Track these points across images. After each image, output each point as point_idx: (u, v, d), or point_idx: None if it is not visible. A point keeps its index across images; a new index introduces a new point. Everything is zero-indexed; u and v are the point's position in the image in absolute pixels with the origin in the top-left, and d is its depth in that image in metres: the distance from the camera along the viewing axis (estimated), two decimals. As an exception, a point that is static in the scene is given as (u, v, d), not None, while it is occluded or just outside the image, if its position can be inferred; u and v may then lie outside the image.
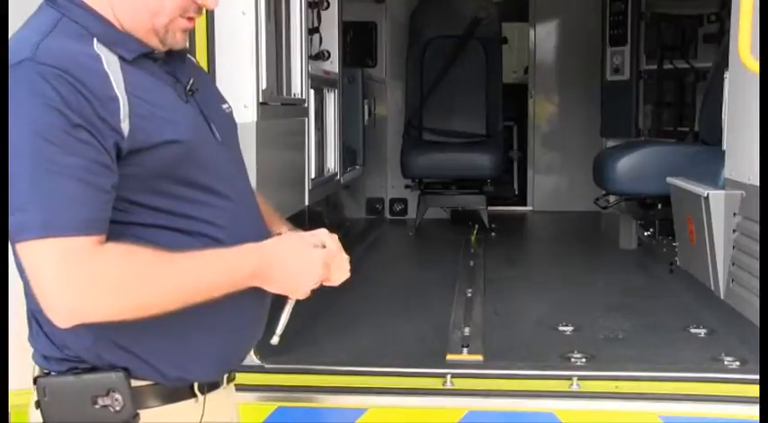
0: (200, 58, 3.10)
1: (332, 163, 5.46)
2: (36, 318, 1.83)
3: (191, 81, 1.88)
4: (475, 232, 6.37)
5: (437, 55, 7.61)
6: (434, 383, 3.13)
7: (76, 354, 1.80)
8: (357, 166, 6.73)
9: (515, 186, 9.09)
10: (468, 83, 7.57)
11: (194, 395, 1.87)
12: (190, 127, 1.81)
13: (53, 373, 1.82)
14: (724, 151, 4.29)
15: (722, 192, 4.17)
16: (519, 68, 10.00)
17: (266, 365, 3.13)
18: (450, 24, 7.64)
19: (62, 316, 1.67)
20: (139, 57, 1.78)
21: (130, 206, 1.73)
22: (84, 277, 1.63)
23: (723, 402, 2.98)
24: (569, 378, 3.10)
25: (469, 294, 4.48)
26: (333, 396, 3.07)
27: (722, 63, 4.62)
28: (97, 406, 1.77)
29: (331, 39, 5.64)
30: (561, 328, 3.83)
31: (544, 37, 8.41)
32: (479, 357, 3.36)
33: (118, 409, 1.77)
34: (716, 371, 3.23)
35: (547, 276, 5.34)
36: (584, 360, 3.34)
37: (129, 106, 1.69)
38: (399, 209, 7.89)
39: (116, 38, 1.77)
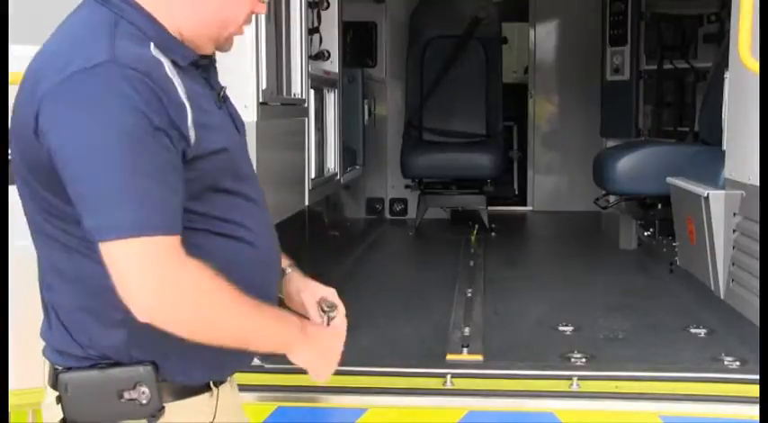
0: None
1: (332, 163, 5.46)
2: (57, 313, 1.84)
3: (224, 88, 1.92)
4: (475, 232, 6.37)
5: (437, 55, 7.61)
6: (434, 383, 3.13)
7: (101, 352, 1.81)
8: (357, 166, 6.72)
9: (515, 186, 9.09)
10: (468, 83, 7.57)
11: (209, 389, 1.89)
12: (230, 134, 1.86)
13: (73, 369, 1.82)
14: (724, 151, 4.30)
15: (722, 192, 4.17)
16: (519, 68, 10.00)
17: (266, 365, 3.12)
18: (450, 24, 7.64)
19: (142, 311, 1.68)
20: (189, 64, 1.80)
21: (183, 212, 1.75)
22: (169, 275, 1.66)
23: (723, 402, 2.97)
24: (569, 378, 3.10)
25: (469, 294, 4.48)
26: (333, 396, 3.07)
27: (722, 63, 4.62)
28: (123, 400, 1.78)
29: (331, 39, 5.64)
30: (561, 328, 3.83)
31: (544, 37, 8.41)
32: (479, 357, 3.36)
33: (144, 402, 1.78)
34: (716, 371, 3.22)
35: (547, 276, 5.34)
36: (584, 360, 3.33)
37: (192, 113, 1.72)
38: (399, 209, 7.89)
39: (171, 43, 1.78)
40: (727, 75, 4.30)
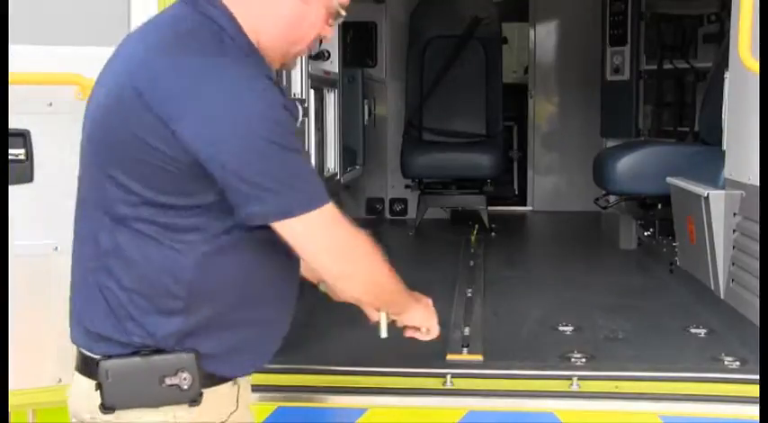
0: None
1: (332, 163, 5.46)
2: (107, 297, 1.90)
3: None
4: (475, 232, 6.37)
5: (437, 55, 7.61)
6: (434, 383, 3.13)
7: (143, 340, 1.88)
8: (357, 166, 6.72)
9: (515, 186, 9.09)
10: (468, 83, 7.57)
11: (232, 378, 2.01)
12: None
13: (114, 356, 1.90)
14: (724, 151, 4.30)
15: (722, 192, 4.17)
16: (519, 68, 10.01)
17: (266, 365, 3.12)
18: (450, 24, 7.63)
19: (336, 274, 1.95)
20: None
21: None
22: (344, 237, 1.91)
23: (723, 402, 2.97)
24: (569, 378, 3.10)
25: (469, 294, 4.47)
26: (333, 396, 3.07)
27: (722, 63, 4.62)
28: (164, 385, 1.87)
29: (331, 39, 5.63)
30: (561, 328, 3.82)
31: (544, 37, 8.41)
32: (479, 357, 3.36)
33: (186, 388, 1.88)
34: (716, 371, 3.22)
35: (547, 276, 5.34)
36: (584, 360, 3.33)
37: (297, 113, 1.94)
38: (399, 209, 7.89)
39: (258, 56, 1.93)
40: (727, 75, 4.30)
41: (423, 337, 2.34)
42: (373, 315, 2.40)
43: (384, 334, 2.39)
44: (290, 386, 3.09)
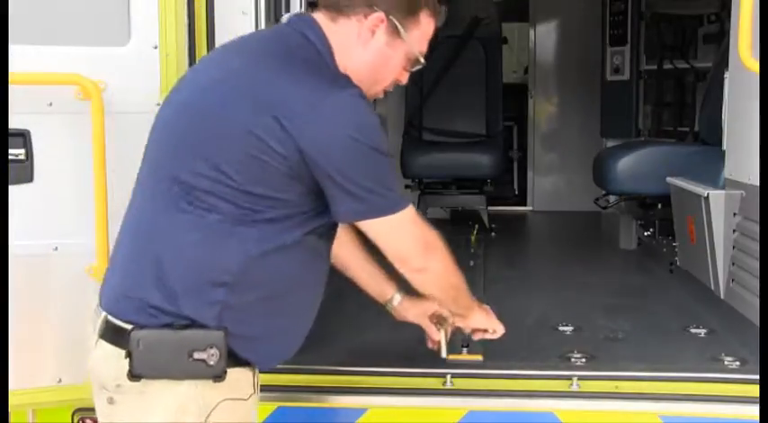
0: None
1: (332, 163, 5.44)
2: (159, 262, 1.98)
3: None
4: (475, 232, 6.36)
5: (437, 55, 7.60)
6: (434, 383, 3.13)
7: (186, 313, 1.98)
8: (357, 166, 6.70)
9: (515, 186, 9.08)
10: (468, 83, 7.56)
11: (250, 364, 2.11)
12: None
13: (147, 327, 1.98)
14: (724, 151, 4.30)
15: (722, 192, 4.17)
16: (519, 68, 10.00)
17: (266, 365, 3.12)
18: (450, 24, 7.62)
19: (418, 265, 2.22)
20: None
21: None
22: (425, 233, 2.20)
23: (723, 402, 2.97)
24: (569, 378, 3.10)
25: (469, 294, 4.47)
26: (333, 396, 3.07)
27: (722, 63, 4.62)
28: (191, 359, 1.96)
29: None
30: (561, 328, 3.82)
31: (544, 37, 8.41)
32: (479, 357, 3.36)
33: (212, 363, 1.98)
34: (716, 371, 3.22)
35: (547, 276, 5.33)
36: (584, 360, 3.33)
37: None
38: (399, 209, 7.87)
39: None
40: (727, 75, 4.30)
41: (491, 336, 2.72)
42: (434, 335, 2.69)
43: (444, 354, 2.63)
44: (290, 386, 3.09)
